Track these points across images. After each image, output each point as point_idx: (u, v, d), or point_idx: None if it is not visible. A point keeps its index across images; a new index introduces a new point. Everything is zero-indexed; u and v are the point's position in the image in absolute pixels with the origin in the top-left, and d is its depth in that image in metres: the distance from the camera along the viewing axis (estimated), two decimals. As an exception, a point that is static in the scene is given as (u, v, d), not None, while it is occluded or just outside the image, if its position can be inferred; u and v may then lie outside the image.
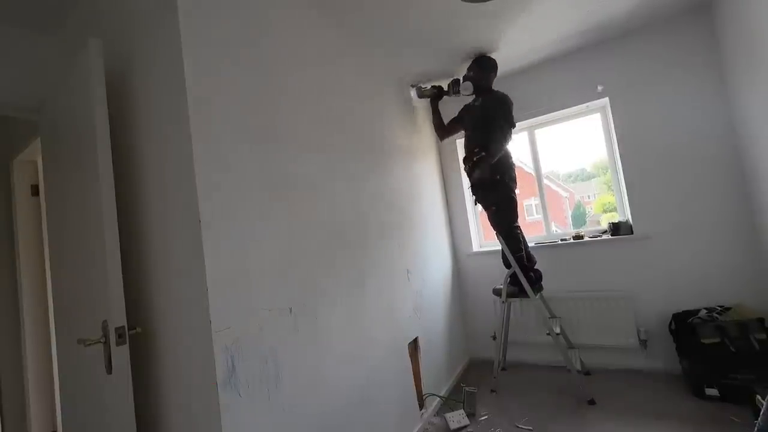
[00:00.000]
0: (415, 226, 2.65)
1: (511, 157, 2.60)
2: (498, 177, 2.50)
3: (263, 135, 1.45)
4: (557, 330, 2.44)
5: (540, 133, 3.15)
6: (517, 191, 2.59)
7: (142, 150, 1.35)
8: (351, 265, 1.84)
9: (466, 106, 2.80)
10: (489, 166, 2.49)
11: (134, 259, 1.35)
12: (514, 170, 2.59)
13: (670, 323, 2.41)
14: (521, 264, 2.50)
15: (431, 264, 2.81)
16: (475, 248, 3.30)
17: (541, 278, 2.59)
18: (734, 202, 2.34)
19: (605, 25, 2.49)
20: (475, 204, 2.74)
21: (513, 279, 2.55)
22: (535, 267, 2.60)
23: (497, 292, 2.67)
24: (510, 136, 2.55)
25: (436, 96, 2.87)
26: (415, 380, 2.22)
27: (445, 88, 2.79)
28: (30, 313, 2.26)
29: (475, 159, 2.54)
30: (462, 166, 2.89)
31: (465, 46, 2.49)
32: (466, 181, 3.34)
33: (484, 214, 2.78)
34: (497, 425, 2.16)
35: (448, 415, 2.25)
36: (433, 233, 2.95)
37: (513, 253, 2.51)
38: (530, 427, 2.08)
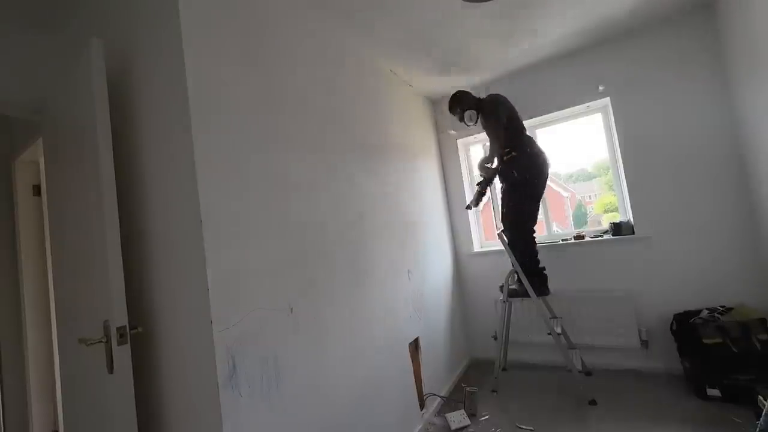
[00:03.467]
0: (416, 226, 2.65)
1: (540, 155, 2.50)
2: (527, 177, 2.45)
3: (264, 134, 1.45)
4: (558, 330, 2.44)
5: (541, 133, 3.14)
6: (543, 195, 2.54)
7: (143, 150, 1.36)
8: (351, 265, 1.84)
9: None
10: (521, 165, 2.44)
11: (135, 259, 1.35)
12: (543, 171, 2.50)
13: (672, 323, 2.41)
14: (525, 264, 2.48)
15: (432, 264, 2.81)
16: (476, 248, 3.29)
17: (545, 281, 2.56)
18: (736, 201, 2.33)
19: (606, 25, 2.48)
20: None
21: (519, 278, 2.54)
22: (543, 271, 2.57)
23: (510, 292, 2.64)
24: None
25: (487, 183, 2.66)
26: (415, 380, 2.22)
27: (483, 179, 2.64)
28: (31, 312, 2.26)
29: (505, 159, 2.48)
30: (482, 170, 2.72)
31: (465, 47, 2.49)
32: (467, 182, 3.36)
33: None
34: (498, 425, 2.16)
35: (449, 416, 2.25)
36: (433, 233, 2.94)
37: (521, 254, 2.49)
38: (531, 428, 2.08)
